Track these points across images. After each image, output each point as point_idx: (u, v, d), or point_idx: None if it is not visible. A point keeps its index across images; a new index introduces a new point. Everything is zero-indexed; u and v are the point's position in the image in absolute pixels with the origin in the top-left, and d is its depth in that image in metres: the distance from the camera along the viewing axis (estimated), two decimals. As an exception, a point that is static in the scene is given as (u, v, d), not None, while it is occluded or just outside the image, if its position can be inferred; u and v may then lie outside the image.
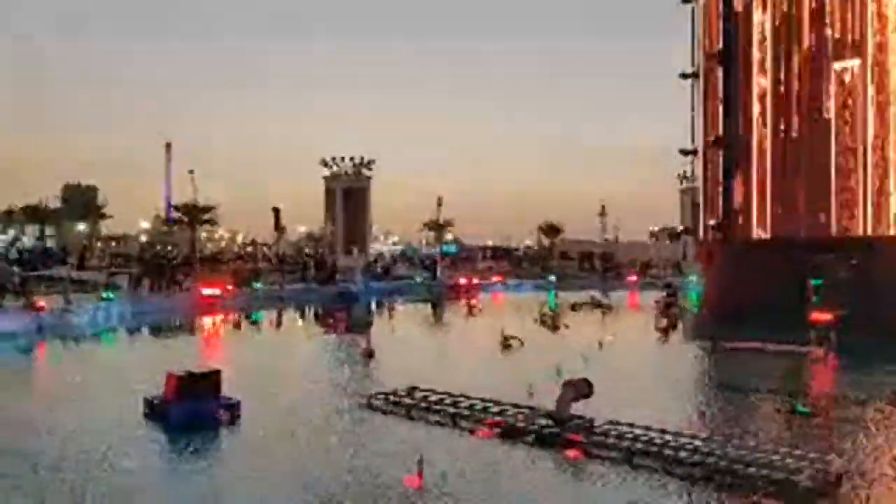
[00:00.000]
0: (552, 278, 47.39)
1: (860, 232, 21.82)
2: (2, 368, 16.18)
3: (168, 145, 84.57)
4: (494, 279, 47.84)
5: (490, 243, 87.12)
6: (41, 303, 22.83)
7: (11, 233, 67.37)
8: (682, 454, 8.36)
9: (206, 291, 30.89)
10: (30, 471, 8.27)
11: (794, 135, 23.27)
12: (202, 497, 7.78)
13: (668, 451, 8.47)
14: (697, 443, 8.79)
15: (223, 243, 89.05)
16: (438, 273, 48.77)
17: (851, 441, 9.51)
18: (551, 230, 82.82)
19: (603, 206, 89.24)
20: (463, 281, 44.45)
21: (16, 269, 30.53)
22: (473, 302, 35.82)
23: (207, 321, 26.86)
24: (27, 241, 63.25)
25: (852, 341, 17.04)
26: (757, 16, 24.00)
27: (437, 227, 78.62)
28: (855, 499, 7.25)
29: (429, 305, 36.47)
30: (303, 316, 31.64)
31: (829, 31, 22.55)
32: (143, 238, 79.93)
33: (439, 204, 75.57)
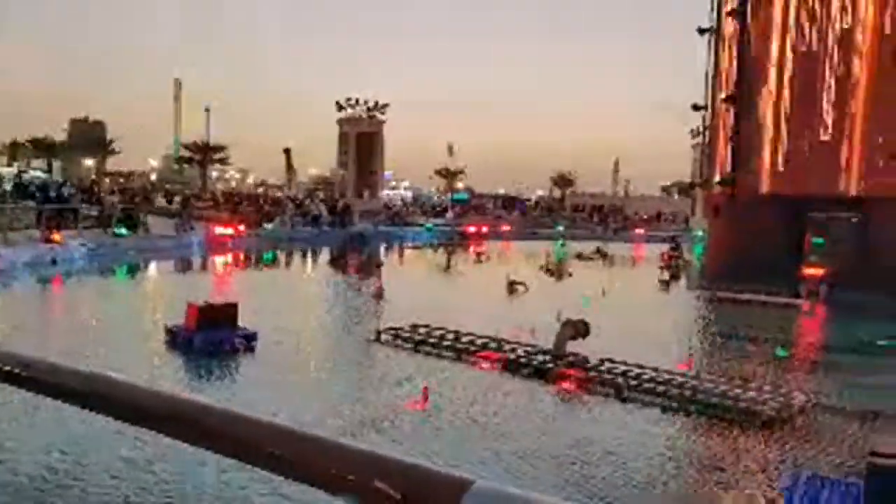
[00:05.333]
0: (560, 228, 47.90)
1: (860, 191, 22.12)
2: (21, 300, 16.82)
3: (178, 82, 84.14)
4: (504, 228, 48.38)
5: (502, 192, 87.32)
6: (56, 236, 23.34)
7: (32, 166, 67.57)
8: (664, 388, 9.12)
9: (218, 231, 31.62)
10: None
11: (802, 94, 23.30)
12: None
13: (652, 385, 9.24)
14: (678, 378, 9.54)
15: (234, 183, 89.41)
16: (448, 220, 49.35)
17: (820, 381, 10.31)
18: (563, 182, 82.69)
19: (616, 161, 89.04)
20: (472, 228, 45.06)
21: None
22: (482, 249, 36.47)
23: (220, 260, 27.64)
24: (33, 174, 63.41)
25: (844, 296, 17.75)
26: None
27: (449, 174, 78.66)
28: (810, 425, 8.04)
29: (439, 251, 37.18)
30: (314, 257, 32.41)
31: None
32: (153, 176, 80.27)
33: (450, 151, 75.53)
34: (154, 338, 11.77)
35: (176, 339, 11.56)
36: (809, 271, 19.83)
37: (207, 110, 61.51)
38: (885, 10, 21.72)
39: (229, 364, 10.71)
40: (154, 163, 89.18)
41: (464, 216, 53.74)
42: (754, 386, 9.18)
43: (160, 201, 44.51)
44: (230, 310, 12.07)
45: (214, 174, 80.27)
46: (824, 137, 22.86)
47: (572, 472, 6.49)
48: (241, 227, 33.59)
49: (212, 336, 11.32)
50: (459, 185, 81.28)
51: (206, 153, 64.92)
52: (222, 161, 69.35)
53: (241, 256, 29.47)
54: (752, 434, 7.75)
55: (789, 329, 14.53)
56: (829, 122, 22.78)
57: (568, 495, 5.80)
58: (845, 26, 22.43)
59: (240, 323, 11.92)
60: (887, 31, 21.65)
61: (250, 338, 11.75)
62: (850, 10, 22.33)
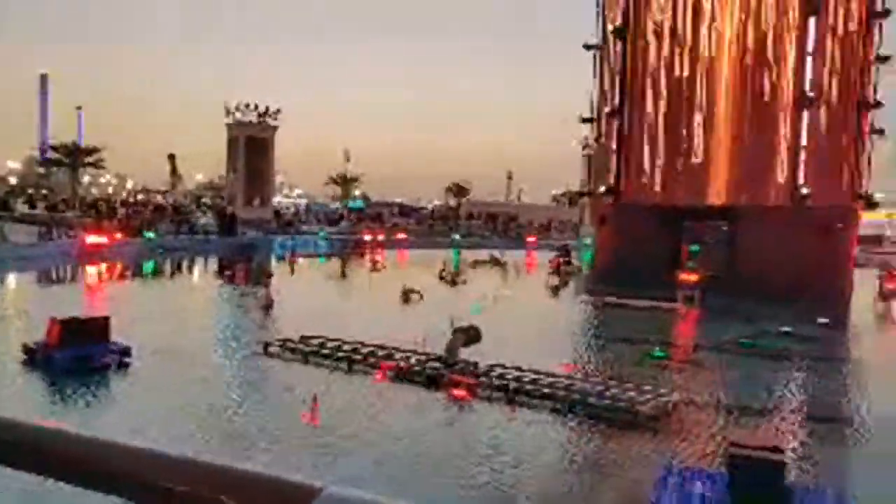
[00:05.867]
0: (456, 237, 48.55)
1: (728, 202, 23.99)
2: None
3: (44, 77, 77.61)
4: (400, 236, 48.38)
5: (399, 201, 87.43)
6: None
7: None
8: (551, 390, 9.38)
9: (92, 240, 29.51)
10: None
11: (677, 112, 24.99)
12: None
13: (539, 388, 9.47)
14: (564, 381, 9.86)
15: (110, 189, 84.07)
16: (343, 228, 48.75)
17: (693, 379, 11.05)
18: (459, 190, 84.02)
19: (510, 171, 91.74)
20: (368, 237, 44.73)
21: None
22: (378, 257, 36.24)
23: (93, 270, 25.78)
24: None
25: (715, 300, 19.21)
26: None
27: (345, 181, 77.70)
28: (683, 421, 8.58)
29: (333, 259, 36.60)
30: (201, 267, 30.96)
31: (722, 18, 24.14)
32: (13, 180, 73.65)
33: (347, 158, 74.71)
34: (8, 356, 10.72)
35: (34, 358, 10.61)
36: (685, 277, 21.21)
37: (79, 108, 56.65)
38: (746, 42, 23.74)
39: (98, 382, 9.92)
40: (14, 165, 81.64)
41: (359, 224, 53.29)
42: (633, 386, 9.64)
43: (22, 208, 40.94)
44: (100, 323, 11.23)
45: (87, 179, 74.94)
46: (696, 151, 24.60)
47: (451, 477, 6.50)
48: (119, 235, 31.55)
49: (77, 352, 10.45)
50: (356, 192, 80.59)
51: (77, 156, 60.31)
52: (96, 164, 64.74)
53: (119, 266, 27.62)
54: (630, 431, 8.13)
55: (667, 331, 15.46)
56: (700, 138, 24.57)
57: (439, 498, 5.85)
58: (712, 55, 24.30)
59: (113, 337, 11.14)
60: (748, 62, 23.68)
61: (124, 353, 11.00)
62: (714, 40, 24.21)
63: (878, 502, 6.32)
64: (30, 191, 59.02)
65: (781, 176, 23.21)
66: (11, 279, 22.53)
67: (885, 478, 6.86)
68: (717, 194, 24.32)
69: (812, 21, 22.57)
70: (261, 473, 0.84)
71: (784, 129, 23.14)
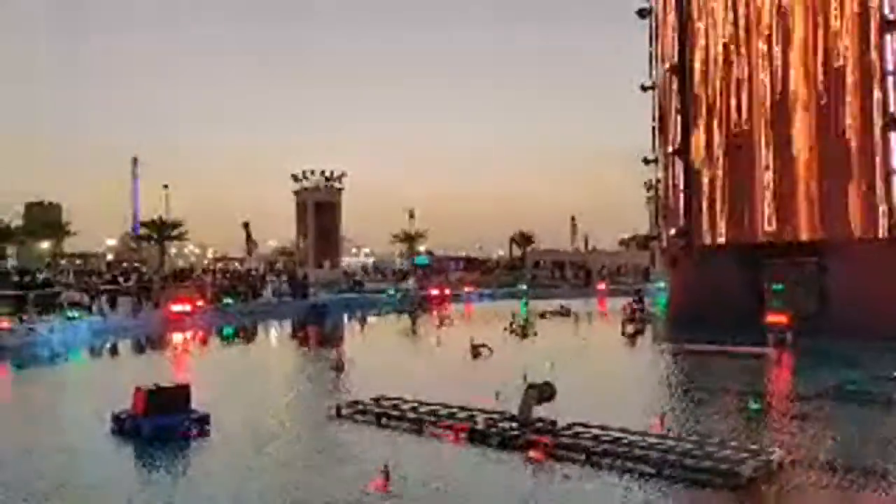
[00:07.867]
0: (523, 287, 47.92)
1: (813, 236, 22.64)
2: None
3: (135, 160, 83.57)
4: (467, 289, 48.19)
5: (463, 254, 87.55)
6: (4, 323, 22.54)
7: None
8: (637, 451, 8.73)
9: (176, 308, 30.66)
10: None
11: (747, 145, 24.09)
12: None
13: (624, 449, 8.84)
14: (651, 440, 9.18)
15: (193, 259, 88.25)
16: (410, 285, 49.03)
17: (795, 434, 10.08)
18: (523, 240, 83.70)
19: (573, 217, 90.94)
20: (435, 292, 44.74)
21: None
22: (445, 312, 36.05)
23: (177, 338, 26.69)
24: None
25: (807, 342, 17.88)
26: (704, 26, 24.80)
27: (409, 238, 78.91)
28: (790, 483, 7.77)
29: (401, 317, 36.63)
30: (275, 331, 31.58)
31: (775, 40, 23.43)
32: (110, 256, 78.65)
33: (411, 216, 76.08)
34: (99, 426, 11.07)
35: (123, 427, 10.93)
36: (773, 318, 19.88)
37: (166, 187, 60.55)
38: (815, 68, 22.85)
39: (179, 451, 10.04)
40: (111, 242, 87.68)
41: (426, 280, 53.47)
42: (730, 443, 8.84)
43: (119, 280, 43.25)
44: (181, 392, 11.49)
45: (174, 251, 79.18)
46: (771, 185, 23.53)
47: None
48: (200, 303, 32.69)
49: (162, 421, 10.71)
50: (421, 248, 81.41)
51: (163, 230, 64.07)
52: (180, 237, 68.47)
53: (200, 333, 28.53)
54: (731, 497, 7.38)
55: (760, 380, 14.39)
56: (775, 171, 23.53)
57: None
58: (779, 87, 23.46)
59: (194, 405, 11.34)
60: (822, 89, 22.70)
61: (203, 421, 11.16)
62: (781, 68, 23.42)
63: None
64: (124, 264, 62.73)
65: (873, 204, 21.75)
66: (107, 349, 23.71)
67: None
68: (799, 229, 23.06)
69: (889, 38, 21.51)
70: None
71: (871, 154, 21.79)
